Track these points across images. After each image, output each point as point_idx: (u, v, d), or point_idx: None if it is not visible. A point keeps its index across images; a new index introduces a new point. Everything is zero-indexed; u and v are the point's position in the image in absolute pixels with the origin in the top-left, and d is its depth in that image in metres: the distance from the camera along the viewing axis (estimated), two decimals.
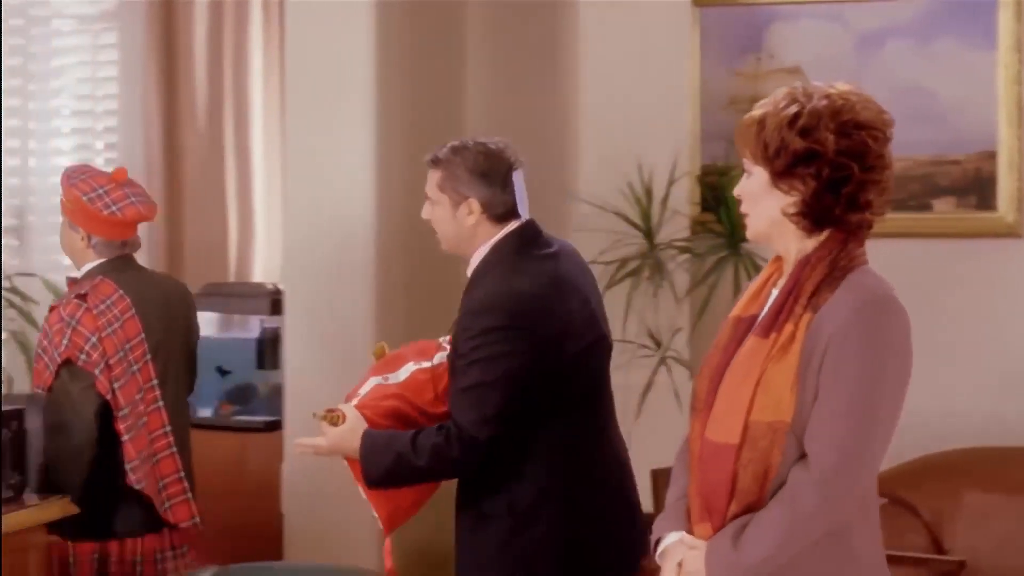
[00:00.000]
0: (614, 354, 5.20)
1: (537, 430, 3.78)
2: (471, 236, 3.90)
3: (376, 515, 3.91)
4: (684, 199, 5.54)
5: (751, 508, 2.91)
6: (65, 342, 4.54)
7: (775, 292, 3.03)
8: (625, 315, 5.20)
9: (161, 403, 4.63)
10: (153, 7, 6.53)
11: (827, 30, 5.72)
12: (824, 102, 2.93)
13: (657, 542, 3.08)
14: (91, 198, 4.62)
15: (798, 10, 5.72)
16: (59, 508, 4.48)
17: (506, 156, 3.91)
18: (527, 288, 3.79)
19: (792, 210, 2.96)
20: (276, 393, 5.71)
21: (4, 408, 4.43)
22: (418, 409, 3.90)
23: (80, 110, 6.86)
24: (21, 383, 6.39)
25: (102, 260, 4.68)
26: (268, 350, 5.94)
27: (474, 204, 3.86)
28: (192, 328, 4.89)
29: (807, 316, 2.91)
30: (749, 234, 3.07)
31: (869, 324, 2.87)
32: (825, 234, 2.97)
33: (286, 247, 5.65)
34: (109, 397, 4.52)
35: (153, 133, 6.56)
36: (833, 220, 2.96)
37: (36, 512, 4.41)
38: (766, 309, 3.02)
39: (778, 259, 3.07)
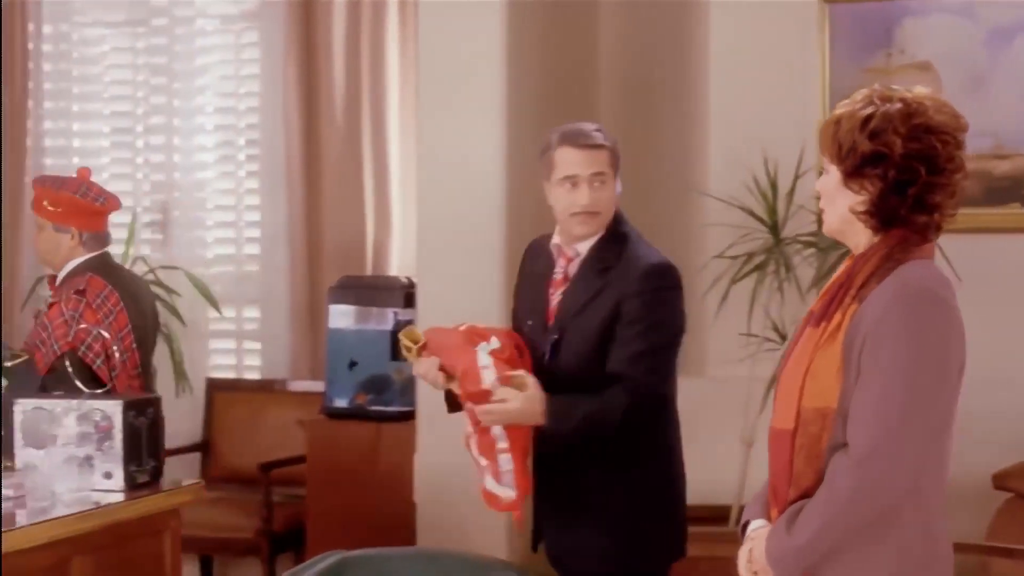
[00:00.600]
0: (739, 347, 5.27)
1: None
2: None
3: (512, 494, 4.04)
4: (810, 194, 5.56)
5: (808, 493, 2.97)
6: (70, 336, 4.85)
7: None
8: (750, 309, 5.25)
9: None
10: (293, 7, 6.69)
11: (957, 25, 5.70)
12: (898, 106, 2.99)
13: (744, 527, 3.17)
14: (82, 194, 5.00)
15: (928, 5, 5.71)
16: (191, 492, 4.65)
17: None
18: (665, 257, 4.17)
19: (860, 208, 3.02)
20: (409, 384, 5.82)
21: (142, 397, 4.64)
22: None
23: (223, 107, 7.04)
24: (165, 374, 6.58)
25: (89, 256, 5.01)
26: None
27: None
28: (158, 319, 5.30)
29: (854, 306, 2.97)
30: (825, 229, 3.15)
31: (905, 313, 2.91)
32: (890, 231, 3.02)
33: (419, 242, 5.77)
34: (109, 385, 4.79)
35: (293, 130, 6.72)
36: (900, 220, 3.00)
37: (171, 496, 4.58)
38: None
39: (852, 256, 3.12)
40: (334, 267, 6.57)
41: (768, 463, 3.13)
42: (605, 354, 4.07)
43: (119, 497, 4.40)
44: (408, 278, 6.14)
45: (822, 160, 3.11)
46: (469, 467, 4.53)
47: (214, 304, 6.71)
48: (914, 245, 3.02)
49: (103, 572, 4.30)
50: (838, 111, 3.07)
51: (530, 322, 4.33)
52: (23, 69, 7.06)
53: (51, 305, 4.95)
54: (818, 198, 3.15)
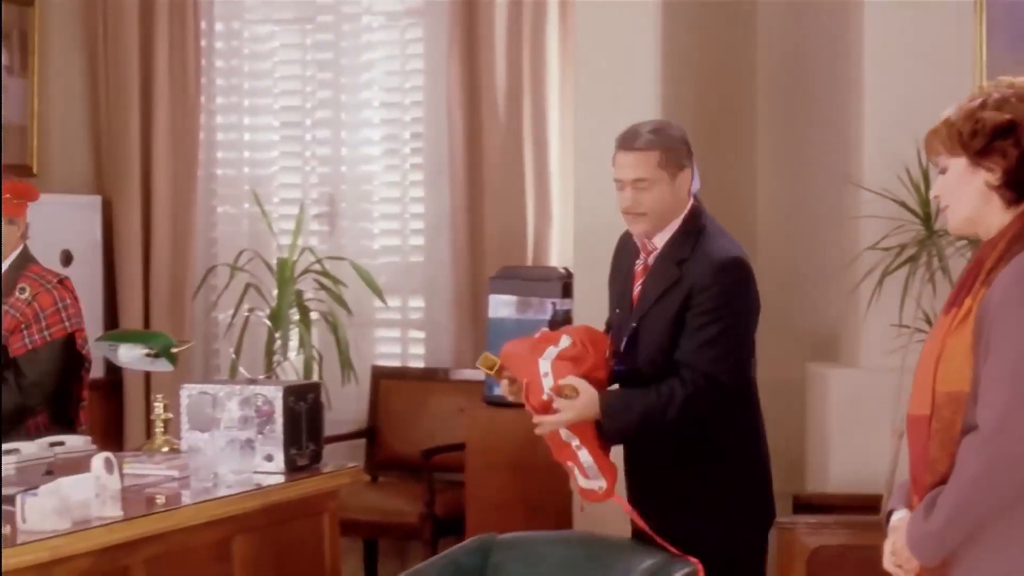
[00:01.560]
0: (891, 338, 5.28)
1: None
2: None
3: (603, 483, 4.14)
4: None
5: (944, 478, 2.99)
6: (65, 322, 5.14)
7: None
8: (902, 300, 5.26)
9: None
10: (457, 4, 6.81)
11: None
12: (1008, 89, 3.08)
13: (889, 516, 3.21)
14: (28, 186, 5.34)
15: None
16: (350, 475, 4.80)
17: None
18: (740, 250, 4.31)
19: (996, 182, 3.06)
20: None
21: (303, 383, 4.80)
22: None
23: (388, 102, 7.19)
24: (331, 362, 6.75)
25: (23, 246, 5.25)
26: None
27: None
28: None
29: (983, 290, 3.00)
30: (952, 227, 3.19)
31: None
32: (1021, 208, 3.07)
33: (576, 233, 5.87)
34: (84, 352, 5.22)
35: (456, 123, 6.84)
36: None
37: (329, 479, 4.73)
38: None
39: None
40: (495, 258, 6.69)
41: (907, 450, 3.16)
42: (677, 343, 4.24)
43: (279, 479, 4.56)
44: (566, 268, 6.24)
45: (936, 165, 3.17)
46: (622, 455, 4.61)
47: (379, 294, 6.86)
48: None
49: (264, 551, 4.45)
50: (943, 114, 3.13)
51: (618, 311, 4.56)
52: (196, 66, 7.27)
53: (39, 293, 5.18)
54: (936, 200, 3.19)
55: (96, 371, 5.77)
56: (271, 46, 7.38)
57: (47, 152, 7.34)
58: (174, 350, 4.97)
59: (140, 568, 4.01)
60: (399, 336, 7.23)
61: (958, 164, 3.10)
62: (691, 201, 4.44)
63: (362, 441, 7.03)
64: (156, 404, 4.90)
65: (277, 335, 6.71)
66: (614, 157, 4.47)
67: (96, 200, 7.28)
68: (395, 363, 7.18)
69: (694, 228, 4.39)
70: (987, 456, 2.92)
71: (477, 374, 6.53)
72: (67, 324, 5.13)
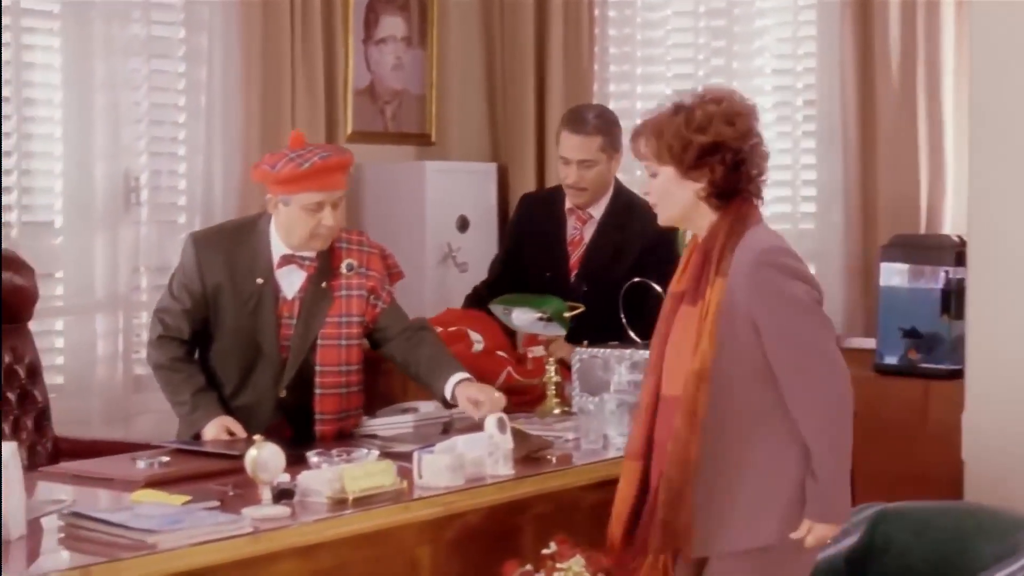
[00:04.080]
0: None
1: None
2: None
3: None
4: None
5: (686, 448, 3.55)
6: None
7: None
8: None
9: None
10: None
11: None
12: (713, 106, 3.58)
13: None
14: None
15: None
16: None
17: None
18: None
19: (704, 193, 3.62)
20: (959, 342, 5.81)
21: None
22: None
23: (780, 69, 7.16)
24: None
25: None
26: (952, 300, 6.05)
27: None
28: None
29: (719, 280, 3.55)
30: (662, 221, 3.76)
31: (772, 273, 3.57)
32: (727, 207, 3.63)
33: (970, 201, 5.74)
34: None
35: (849, 90, 6.76)
36: (739, 193, 3.62)
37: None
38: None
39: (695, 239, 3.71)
40: (887, 225, 6.60)
41: (653, 427, 3.68)
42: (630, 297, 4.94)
43: None
44: (959, 236, 6.12)
45: (644, 166, 3.71)
46: (1018, 425, 4.52)
47: None
48: (746, 215, 3.61)
49: None
50: (641, 121, 3.71)
51: (548, 274, 5.44)
52: (590, 35, 7.38)
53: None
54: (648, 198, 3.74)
55: None
56: (664, 14, 7.43)
57: (445, 121, 7.56)
58: (566, 314, 5.07)
59: (529, 526, 4.13)
60: None
61: (667, 172, 3.64)
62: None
63: None
64: (548, 367, 5.02)
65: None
66: (559, 134, 5.40)
67: (491, 167, 7.45)
68: None
69: (625, 197, 5.47)
70: (828, 390, 3.55)
71: (868, 342, 6.48)
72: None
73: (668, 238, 5.14)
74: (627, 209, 5.43)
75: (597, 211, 5.46)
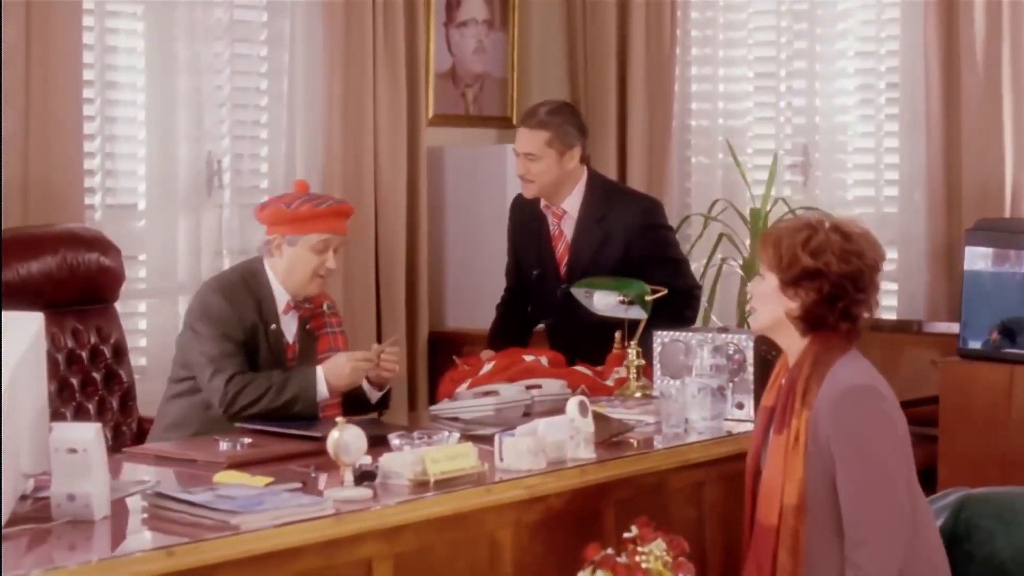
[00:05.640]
0: None
1: None
2: None
3: None
4: None
5: None
6: None
7: None
8: None
9: None
10: None
11: None
12: (834, 235, 3.64)
13: None
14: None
15: None
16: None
17: None
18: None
19: (794, 314, 3.68)
20: None
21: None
22: None
23: (863, 52, 7.11)
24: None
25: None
26: None
27: None
28: None
29: (805, 412, 3.62)
30: (754, 326, 3.83)
31: (852, 411, 3.60)
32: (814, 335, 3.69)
33: None
34: None
35: (933, 73, 6.70)
36: (827, 327, 3.66)
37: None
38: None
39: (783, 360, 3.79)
40: (972, 209, 6.54)
41: (749, 555, 3.73)
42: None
43: (749, 427, 4.57)
44: None
45: (759, 266, 3.75)
46: None
47: None
48: (833, 347, 3.65)
49: (732, 497, 4.48)
50: (777, 230, 3.77)
51: (536, 272, 5.54)
52: (672, 18, 7.35)
53: None
54: (749, 298, 3.80)
55: None
56: None
57: (526, 104, 7.52)
58: (647, 298, 5.05)
59: (611, 509, 4.12)
60: None
61: (771, 280, 3.71)
62: (585, 169, 5.47)
63: None
64: (630, 350, 5.01)
65: (750, 285, 6.74)
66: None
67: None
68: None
69: (600, 190, 5.49)
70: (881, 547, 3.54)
71: (952, 327, 6.42)
72: None
73: (653, 222, 5.46)
74: (605, 199, 5.47)
75: (570, 205, 5.47)
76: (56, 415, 4.88)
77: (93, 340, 5.28)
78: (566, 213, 5.49)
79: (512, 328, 5.69)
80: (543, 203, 5.52)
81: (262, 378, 4.64)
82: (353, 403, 4.84)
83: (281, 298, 4.79)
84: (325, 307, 4.94)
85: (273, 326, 4.77)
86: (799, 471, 3.60)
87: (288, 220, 4.74)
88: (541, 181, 5.42)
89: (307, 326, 4.87)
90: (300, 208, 4.73)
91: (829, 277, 3.62)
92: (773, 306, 3.72)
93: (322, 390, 4.65)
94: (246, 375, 4.63)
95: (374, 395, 4.88)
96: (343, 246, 4.87)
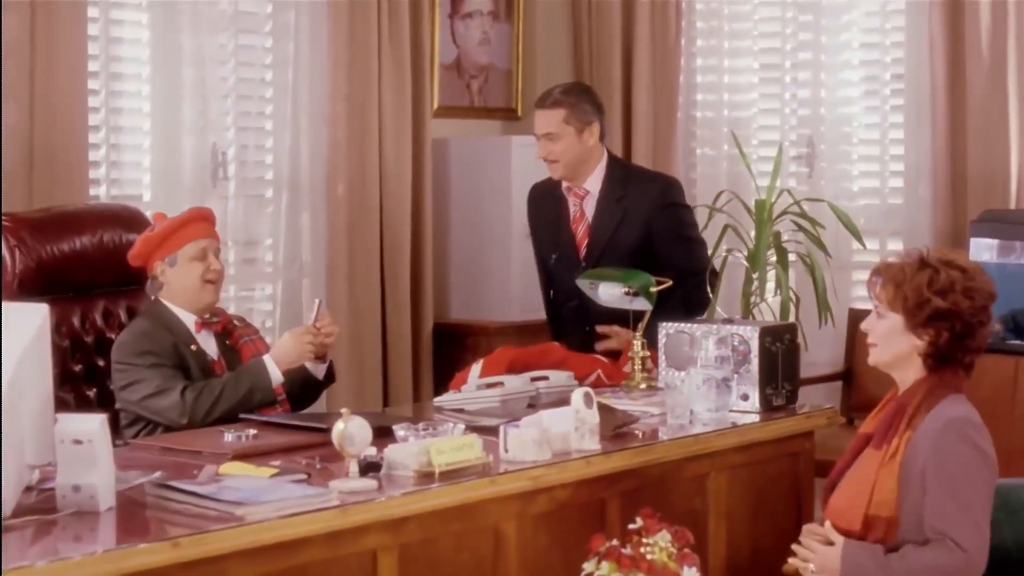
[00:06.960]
0: None
1: None
2: None
3: None
4: None
5: None
6: None
7: None
8: None
9: None
10: None
11: None
12: (956, 273, 3.70)
13: None
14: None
15: None
16: (825, 416, 4.82)
17: None
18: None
19: (924, 351, 3.72)
20: None
21: (779, 324, 4.82)
22: None
23: (868, 43, 7.10)
24: (809, 304, 6.73)
25: None
26: None
27: None
28: None
29: (908, 433, 3.68)
30: (873, 361, 3.84)
31: (955, 440, 3.66)
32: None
33: None
34: None
35: (937, 65, 6.69)
36: (954, 361, 3.74)
37: (804, 420, 4.75)
38: None
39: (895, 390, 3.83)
40: (977, 201, 6.54)
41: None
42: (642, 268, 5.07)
43: (754, 418, 4.61)
44: None
45: (874, 298, 3.79)
46: None
47: (858, 237, 6.76)
48: (950, 383, 3.74)
49: (737, 488, 4.51)
50: (890, 266, 3.78)
51: (555, 256, 5.56)
52: (677, 9, 7.35)
53: None
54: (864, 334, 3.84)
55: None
56: None
57: (531, 95, 7.53)
58: (653, 289, 5.05)
59: (616, 501, 4.12)
60: None
61: (896, 320, 3.74)
62: (604, 149, 5.53)
63: (838, 383, 6.99)
64: (635, 342, 5.01)
65: (754, 276, 6.72)
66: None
67: None
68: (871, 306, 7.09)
69: (620, 170, 5.58)
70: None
71: None
72: None
73: (672, 200, 5.55)
74: (624, 179, 5.53)
75: (592, 185, 5.52)
76: (82, 398, 4.91)
77: (124, 320, 5.17)
78: (588, 193, 5.53)
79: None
80: (564, 185, 5.55)
81: (213, 382, 4.72)
82: (302, 387, 4.92)
83: (188, 320, 4.86)
84: (236, 321, 5.06)
85: (193, 346, 4.83)
86: (891, 484, 3.67)
87: (157, 244, 4.86)
88: (565, 159, 5.45)
89: (226, 342, 4.95)
90: (163, 226, 4.87)
91: (961, 316, 3.70)
92: (900, 345, 3.76)
93: (275, 373, 4.74)
94: (195, 384, 4.69)
95: (320, 369, 4.92)
96: (217, 251, 4.93)
